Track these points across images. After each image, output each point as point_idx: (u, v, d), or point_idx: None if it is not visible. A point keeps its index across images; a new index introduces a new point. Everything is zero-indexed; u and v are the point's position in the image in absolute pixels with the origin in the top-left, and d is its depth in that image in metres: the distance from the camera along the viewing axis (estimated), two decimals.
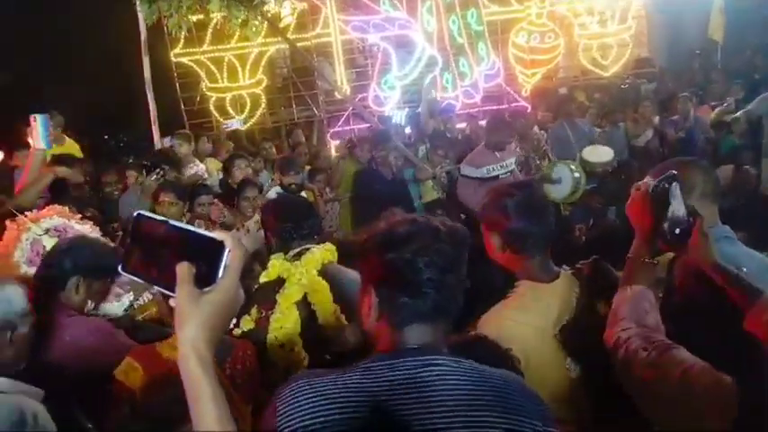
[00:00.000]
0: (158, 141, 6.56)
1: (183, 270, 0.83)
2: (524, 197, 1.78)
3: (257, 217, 4.02)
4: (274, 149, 7.03)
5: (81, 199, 3.84)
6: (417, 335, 1.18)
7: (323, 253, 2.35)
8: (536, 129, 6.81)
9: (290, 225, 2.32)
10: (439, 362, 1.14)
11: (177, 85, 8.22)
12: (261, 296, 2.33)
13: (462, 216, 4.58)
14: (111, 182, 4.52)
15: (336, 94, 8.19)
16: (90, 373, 1.91)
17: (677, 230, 1.45)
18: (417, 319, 1.18)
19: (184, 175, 5.12)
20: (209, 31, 7.81)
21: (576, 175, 5.09)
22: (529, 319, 1.72)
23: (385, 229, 1.24)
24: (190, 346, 0.82)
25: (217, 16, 6.37)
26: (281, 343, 2.23)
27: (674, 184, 1.45)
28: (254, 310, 2.30)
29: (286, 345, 2.22)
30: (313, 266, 2.26)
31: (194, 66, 8.15)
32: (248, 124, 8.56)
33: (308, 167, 5.94)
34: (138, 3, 5.38)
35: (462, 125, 7.67)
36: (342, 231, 5.35)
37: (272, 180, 5.30)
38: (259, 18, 5.70)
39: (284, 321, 2.23)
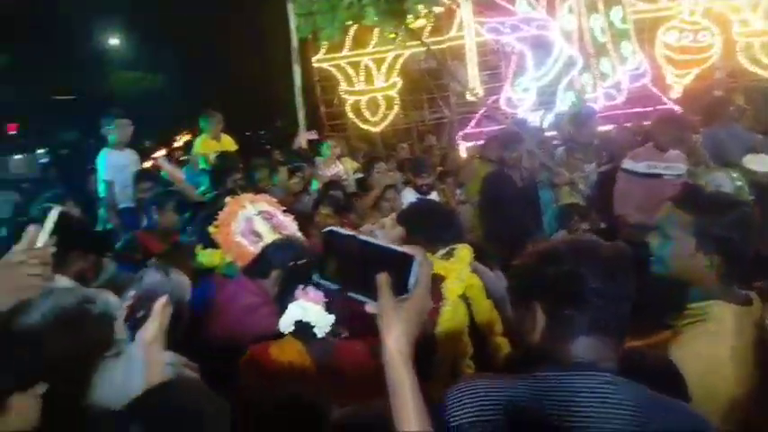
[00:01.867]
0: (303, 141, 7.00)
1: (384, 280, 0.94)
2: (741, 215, 1.63)
3: (393, 215, 4.16)
4: (408, 151, 7.21)
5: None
6: (585, 348, 1.17)
7: (469, 251, 2.43)
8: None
9: (438, 227, 2.43)
10: (607, 379, 1.13)
11: (318, 88, 8.71)
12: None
13: (602, 225, 4.38)
14: (263, 177, 4.92)
15: (468, 96, 8.19)
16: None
17: None
18: (584, 332, 1.18)
19: (325, 175, 5.41)
20: (350, 37, 8.18)
21: (739, 183, 4.65)
22: (727, 349, 1.57)
23: (546, 246, 1.29)
24: (396, 346, 0.94)
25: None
26: (449, 334, 2.33)
27: None
28: None
29: (454, 336, 2.32)
30: (466, 263, 2.37)
31: (334, 70, 8.57)
32: (382, 125, 8.84)
33: (438, 169, 6.02)
34: (291, 16, 5.78)
35: (605, 128, 7.30)
36: (472, 234, 5.35)
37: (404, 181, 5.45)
38: (404, 28, 5.91)
39: (454, 313, 2.34)
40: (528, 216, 4.83)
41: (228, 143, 5.89)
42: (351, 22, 6.06)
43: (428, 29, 8.35)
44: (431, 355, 2.25)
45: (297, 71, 7.23)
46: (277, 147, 7.84)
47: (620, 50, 8.12)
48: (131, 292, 1.58)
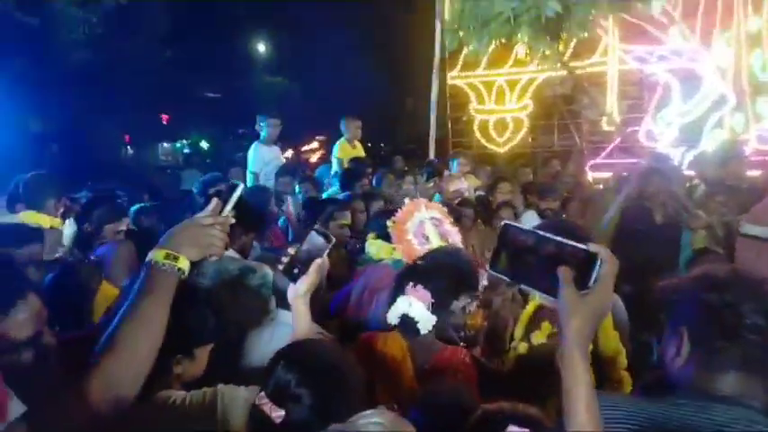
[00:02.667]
0: (432, 154, 7.13)
1: (567, 274, 0.96)
2: None
3: None
4: (530, 175, 7.08)
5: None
6: (731, 383, 1.12)
7: None
8: None
9: None
10: (753, 416, 1.07)
11: (449, 105, 8.82)
12: (553, 312, 2.37)
13: None
14: (391, 183, 5.11)
15: (604, 124, 7.89)
16: None
17: None
18: (733, 367, 1.13)
19: (449, 189, 5.46)
20: (486, 56, 8.21)
21: None
22: None
23: (705, 272, 1.23)
24: (576, 337, 0.95)
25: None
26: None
27: None
28: (545, 325, 2.33)
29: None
30: None
31: (466, 88, 8.64)
32: (507, 146, 8.75)
33: (564, 195, 5.85)
34: (438, 32, 5.91)
35: (754, 173, 6.71)
36: None
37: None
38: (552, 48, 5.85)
39: None
40: (663, 255, 4.54)
41: (360, 150, 6.17)
42: (499, 41, 6.06)
43: (568, 53, 8.17)
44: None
45: (434, 86, 7.37)
46: (400, 154, 8.00)
47: None
48: (292, 249, 1.72)
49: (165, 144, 20.00)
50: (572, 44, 8.17)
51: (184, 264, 1.25)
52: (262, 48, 21.00)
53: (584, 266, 0.95)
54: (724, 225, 5.22)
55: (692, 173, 6.44)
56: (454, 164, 6.19)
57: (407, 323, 1.98)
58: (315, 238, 1.67)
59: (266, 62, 20.76)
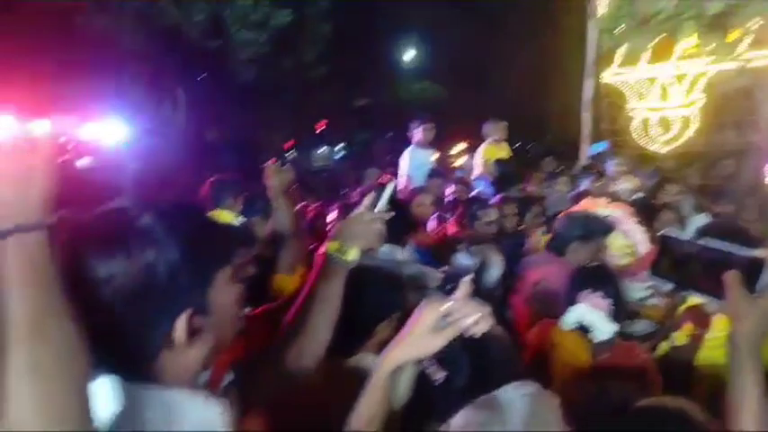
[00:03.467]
0: (585, 155, 6.87)
1: (735, 278, 0.97)
2: None
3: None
4: (697, 177, 6.53)
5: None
6: None
7: None
8: None
9: None
10: None
11: (604, 104, 8.41)
12: (695, 314, 2.28)
13: None
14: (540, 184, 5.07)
15: None
16: None
17: None
18: None
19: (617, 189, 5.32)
20: (647, 53, 7.70)
21: None
22: None
23: None
24: (746, 341, 0.96)
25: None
26: (711, 364, 2.16)
27: None
28: (687, 326, 2.29)
29: (713, 367, 2.14)
30: None
31: (623, 86, 8.18)
32: (672, 146, 8.12)
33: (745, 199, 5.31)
34: (591, 31, 5.69)
35: None
36: None
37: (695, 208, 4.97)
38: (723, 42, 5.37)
39: (717, 346, 2.14)
40: None
41: (506, 151, 6.15)
42: (661, 36, 5.69)
43: (746, 42, 7.36)
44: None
45: (589, 85, 7.08)
46: (550, 155, 7.78)
47: None
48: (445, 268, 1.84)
49: (321, 149, 21.36)
50: (751, 33, 7.36)
51: (353, 255, 1.38)
52: (407, 55, 21.60)
53: (751, 272, 0.96)
54: None
55: None
56: (610, 165, 5.90)
57: (583, 331, 2.00)
58: (462, 258, 1.82)
59: (410, 68, 21.32)
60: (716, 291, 0.99)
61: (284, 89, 13.47)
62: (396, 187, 1.58)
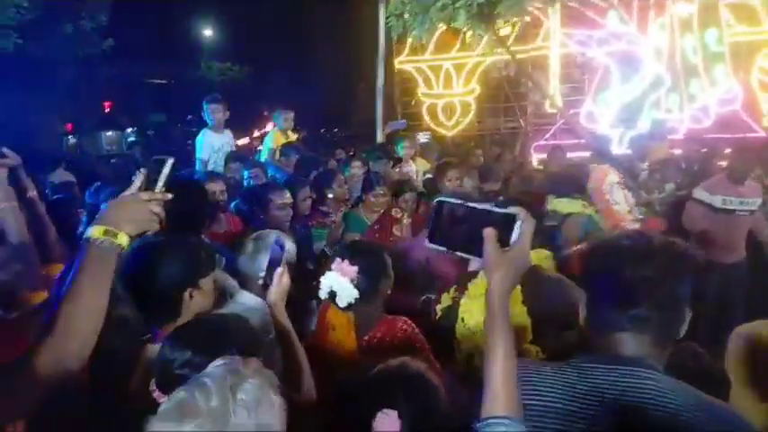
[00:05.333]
0: (379, 138, 7.18)
1: (490, 233, 1.05)
2: None
3: None
4: (479, 158, 7.22)
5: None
6: (625, 343, 1.18)
7: (536, 255, 2.41)
8: None
9: None
10: (646, 375, 1.14)
11: (397, 90, 8.89)
12: (463, 280, 2.46)
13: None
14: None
15: (546, 107, 8.12)
16: None
17: None
18: (623, 328, 1.18)
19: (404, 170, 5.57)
20: (433, 41, 8.30)
21: None
22: None
23: (610, 241, 1.30)
24: (498, 287, 1.04)
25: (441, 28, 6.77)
26: (469, 328, 2.29)
27: None
28: (452, 290, 2.41)
29: (474, 331, 2.33)
30: None
31: (414, 72, 8.71)
32: (456, 130, 8.90)
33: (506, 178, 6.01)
34: (381, 17, 5.94)
35: (677, 151, 7.07)
36: None
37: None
38: (490, 33, 5.97)
39: (471, 306, 2.29)
40: None
41: (294, 136, 6.21)
42: (441, 25, 6.15)
43: (512, 37, 8.33)
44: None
45: (380, 71, 7.42)
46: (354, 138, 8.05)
47: (712, 73, 7.82)
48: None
49: (109, 133, 19.31)
50: (516, 29, 8.35)
51: (124, 239, 1.26)
52: (209, 32, 20.49)
53: (506, 227, 1.04)
54: (661, 200, 5.53)
55: (629, 152, 6.74)
56: (399, 147, 6.25)
57: (332, 297, 2.05)
58: (274, 251, 1.79)
59: (211, 47, 20.28)
60: (481, 249, 1.05)
61: (59, 63, 11.81)
62: (173, 166, 1.44)
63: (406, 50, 8.55)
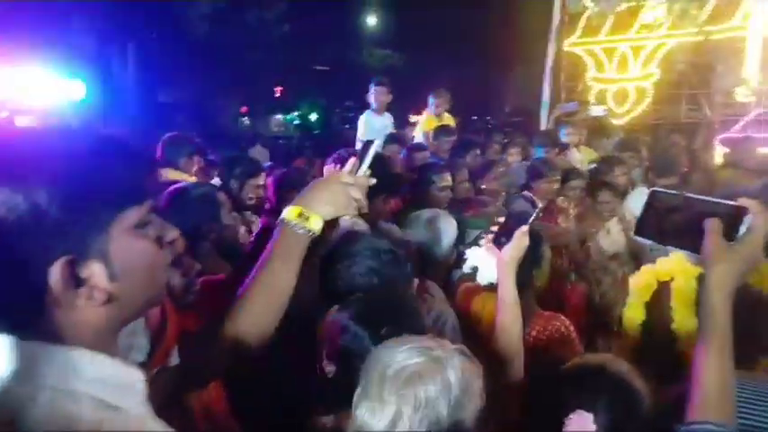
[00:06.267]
0: (545, 125, 6.88)
1: (714, 224, 0.97)
2: None
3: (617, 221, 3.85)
4: (646, 150, 6.61)
5: None
6: None
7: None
8: None
9: None
10: None
11: (563, 74, 8.42)
12: None
13: None
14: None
15: (739, 95, 7.17)
16: None
17: None
18: None
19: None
20: (610, 20, 7.72)
21: None
22: None
23: None
24: (717, 282, 0.96)
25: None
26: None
27: None
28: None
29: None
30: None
31: (585, 55, 8.19)
32: (627, 118, 8.23)
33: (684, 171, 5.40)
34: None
35: None
36: None
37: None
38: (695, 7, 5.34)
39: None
40: None
41: (449, 120, 6.05)
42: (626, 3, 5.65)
43: (704, 16, 7.45)
44: None
45: (551, 53, 7.05)
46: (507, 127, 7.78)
47: None
48: (501, 217, 1.77)
49: (278, 116, 20.87)
50: (709, 7, 7.45)
51: (316, 224, 1.21)
52: (371, 21, 21.16)
53: (733, 220, 0.96)
54: None
55: None
56: (562, 133, 5.91)
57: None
58: (520, 204, 1.74)
59: (373, 34, 20.91)
60: (698, 244, 0.98)
61: (241, 48, 12.93)
62: (380, 149, 1.42)
63: (578, 32, 8.03)
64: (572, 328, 1.99)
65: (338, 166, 1.46)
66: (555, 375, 1.37)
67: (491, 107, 17.81)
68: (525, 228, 1.64)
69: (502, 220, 1.72)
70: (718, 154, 7.16)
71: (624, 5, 6.30)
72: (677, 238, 1.04)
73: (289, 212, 1.22)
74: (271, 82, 17.12)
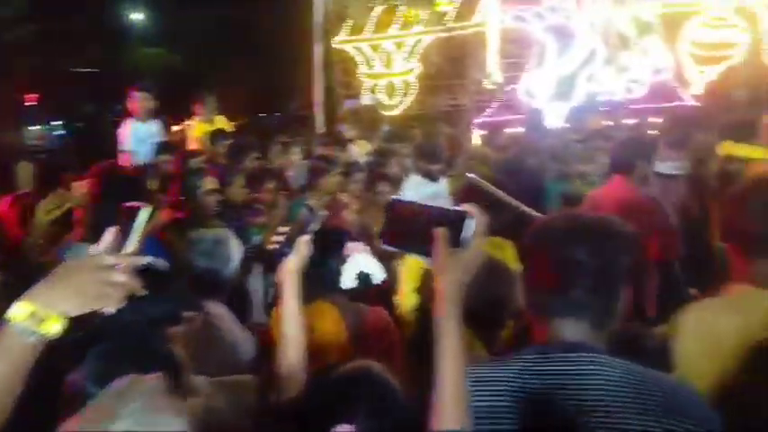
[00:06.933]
0: (322, 123, 7.03)
1: (440, 234, 1.00)
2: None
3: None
4: (419, 137, 7.16)
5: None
6: (564, 329, 1.16)
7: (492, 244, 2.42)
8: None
9: None
10: (590, 359, 1.11)
11: (336, 70, 8.72)
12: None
13: None
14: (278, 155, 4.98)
15: (486, 84, 8.15)
16: None
17: None
18: (561, 313, 1.16)
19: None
20: (373, 19, 8.17)
21: None
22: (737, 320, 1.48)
23: (542, 223, 1.29)
24: (447, 290, 1.00)
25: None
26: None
27: None
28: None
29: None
30: None
31: (354, 52, 8.56)
32: (398, 110, 8.82)
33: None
34: None
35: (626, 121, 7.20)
36: None
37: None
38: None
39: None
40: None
41: (222, 123, 5.90)
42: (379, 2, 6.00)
43: (452, 15, 8.29)
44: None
45: (318, 51, 7.22)
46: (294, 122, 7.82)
47: (645, 44, 8.01)
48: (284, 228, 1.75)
49: (36, 127, 18.22)
50: (456, 6, 8.30)
51: (52, 328, 0.95)
52: (136, 16, 19.55)
53: (458, 226, 1.01)
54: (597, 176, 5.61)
55: (567, 125, 6.83)
56: (342, 129, 6.14)
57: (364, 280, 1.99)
58: (302, 213, 1.69)
59: (141, 32, 19.37)
60: (431, 251, 1.02)
61: None
62: (151, 216, 1.12)
63: (346, 30, 8.36)
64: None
65: None
66: (323, 383, 1.36)
67: (279, 104, 17.75)
68: (306, 237, 1.67)
69: (284, 230, 1.74)
70: (475, 137, 8.08)
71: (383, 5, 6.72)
72: (415, 245, 1.07)
73: (16, 310, 0.94)
74: (13, 88, 14.81)
